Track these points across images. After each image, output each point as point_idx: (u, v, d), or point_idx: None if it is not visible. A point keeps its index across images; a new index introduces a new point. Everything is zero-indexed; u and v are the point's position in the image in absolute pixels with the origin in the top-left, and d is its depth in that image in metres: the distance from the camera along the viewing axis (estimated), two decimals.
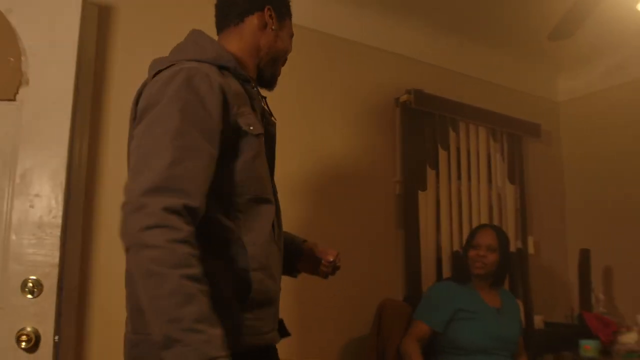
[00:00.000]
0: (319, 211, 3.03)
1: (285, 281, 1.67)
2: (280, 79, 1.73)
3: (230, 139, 1.40)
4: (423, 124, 3.42)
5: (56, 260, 2.06)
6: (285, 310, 1.70)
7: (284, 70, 1.74)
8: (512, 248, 3.68)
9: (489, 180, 3.74)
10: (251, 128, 1.44)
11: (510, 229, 3.74)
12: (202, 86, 1.35)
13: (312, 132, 3.07)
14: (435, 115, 3.46)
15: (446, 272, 3.34)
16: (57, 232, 2.08)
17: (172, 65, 1.41)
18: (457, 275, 3.03)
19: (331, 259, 1.87)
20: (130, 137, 1.44)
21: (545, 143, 4.16)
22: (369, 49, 3.35)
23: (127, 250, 1.20)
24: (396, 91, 3.40)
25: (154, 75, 1.42)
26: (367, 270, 3.15)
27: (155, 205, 1.18)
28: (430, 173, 3.41)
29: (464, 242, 3.20)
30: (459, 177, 3.57)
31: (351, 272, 3.06)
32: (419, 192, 3.34)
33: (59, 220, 2.09)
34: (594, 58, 4.01)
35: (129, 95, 1.51)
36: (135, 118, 1.41)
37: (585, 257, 3.58)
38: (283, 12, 1.68)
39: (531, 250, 3.85)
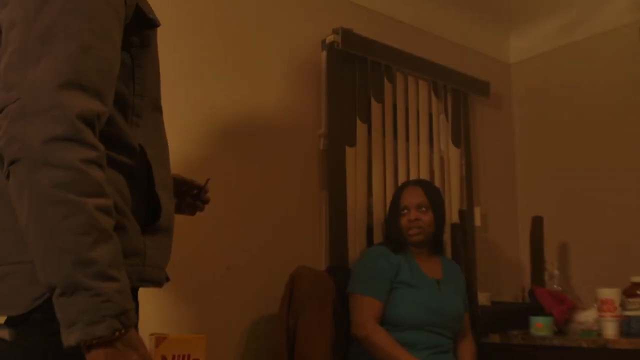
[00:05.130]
0: (229, 165, 2.52)
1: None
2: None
3: (129, 26, 1.13)
4: (353, 71, 2.95)
5: None
6: (174, 277, 1.35)
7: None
8: (455, 219, 3.24)
9: (430, 142, 3.28)
10: (152, 17, 1.20)
11: (454, 199, 3.31)
12: None
13: (223, 78, 2.56)
14: (367, 60, 2.99)
15: (378, 241, 2.86)
16: None
17: None
18: (391, 244, 2.58)
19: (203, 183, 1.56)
20: None
21: (494, 106, 3.74)
22: None
23: (16, 160, 0.93)
24: (323, 32, 2.92)
25: None
26: (282, 237, 2.65)
27: (69, 110, 0.93)
28: (361, 127, 2.93)
29: (388, 206, 2.75)
30: (395, 136, 3.10)
31: (263, 240, 2.58)
32: (347, 147, 2.85)
33: None
34: (548, 13, 3.64)
35: None
36: None
37: (538, 225, 3.16)
38: None
39: (477, 222, 3.42)
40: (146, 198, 1.16)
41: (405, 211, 2.60)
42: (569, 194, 3.54)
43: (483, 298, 2.95)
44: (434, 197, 2.64)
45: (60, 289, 0.93)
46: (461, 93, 3.44)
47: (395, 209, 2.65)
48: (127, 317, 0.96)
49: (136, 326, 1.04)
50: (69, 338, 0.93)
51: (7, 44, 1.00)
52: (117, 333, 0.94)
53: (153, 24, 1.20)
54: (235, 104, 2.59)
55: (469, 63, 3.53)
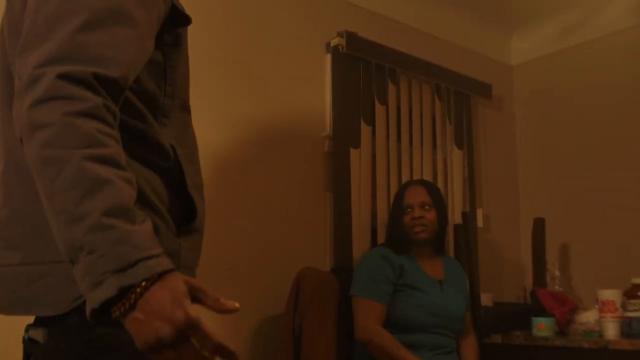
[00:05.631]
0: (234, 166, 2.55)
1: None
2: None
3: (164, 24, 1.09)
4: (358, 73, 2.98)
5: None
6: None
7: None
8: (458, 220, 3.26)
9: (433, 143, 3.31)
10: (186, 14, 1.15)
11: (457, 200, 3.33)
12: None
13: (227, 81, 2.59)
14: (371, 63, 3.02)
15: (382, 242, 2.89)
16: None
17: None
18: (393, 244, 2.59)
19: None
20: None
21: (496, 108, 3.77)
22: None
23: (21, 139, 0.88)
24: (327, 35, 2.94)
25: None
26: (287, 238, 2.68)
27: (49, 74, 0.86)
28: (366, 129, 2.96)
29: (391, 207, 2.76)
30: (398, 138, 3.13)
31: (268, 241, 2.61)
32: (351, 149, 2.88)
33: None
34: (549, 16, 3.66)
35: None
36: None
37: (539, 227, 3.19)
38: None
39: (480, 223, 3.45)
40: (180, 198, 1.10)
41: (409, 210, 2.60)
42: (570, 196, 3.56)
43: (485, 299, 2.97)
44: (436, 196, 2.66)
45: (69, 258, 0.84)
46: (464, 95, 3.47)
47: (398, 208, 2.65)
48: (145, 268, 0.81)
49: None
50: (87, 311, 0.82)
51: (23, 31, 0.97)
52: (130, 293, 0.80)
53: (188, 20, 1.16)
54: (240, 106, 2.61)
55: (471, 65, 3.56)
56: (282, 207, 2.69)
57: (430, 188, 2.70)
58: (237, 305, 0.89)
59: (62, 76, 0.86)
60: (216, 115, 2.53)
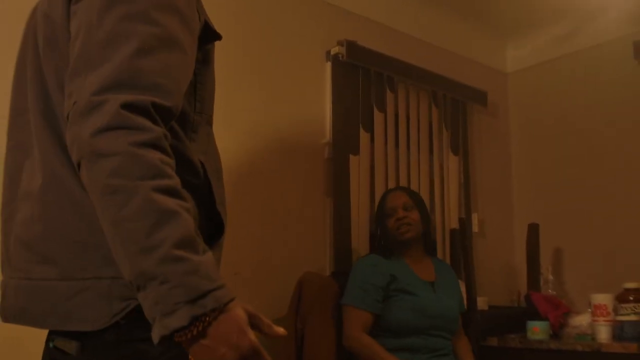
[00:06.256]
0: (237, 172, 2.60)
1: None
2: None
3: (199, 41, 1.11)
4: (357, 81, 3.04)
5: None
6: None
7: None
8: (454, 225, 3.33)
9: (430, 150, 3.38)
10: (216, 30, 1.17)
11: (453, 205, 3.39)
12: None
13: (229, 87, 2.62)
14: (370, 71, 3.08)
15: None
16: None
17: None
18: (382, 250, 2.63)
19: None
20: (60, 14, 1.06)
21: (491, 114, 3.84)
22: None
23: (79, 165, 0.91)
24: (327, 44, 3.00)
25: None
26: (288, 242, 2.73)
27: (113, 101, 0.89)
28: (364, 136, 3.02)
29: (375, 216, 2.79)
30: (396, 145, 3.20)
31: (269, 246, 2.67)
32: (350, 155, 2.94)
33: None
34: (543, 25, 3.73)
35: None
36: None
37: (534, 232, 3.25)
38: None
39: (475, 228, 3.52)
40: (208, 215, 1.11)
41: (392, 212, 2.63)
42: (564, 202, 3.62)
43: (481, 302, 3.03)
44: (416, 199, 2.72)
45: (135, 284, 0.87)
46: (460, 102, 3.54)
47: (382, 214, 2.69)
48: (213, 299, 0.86)
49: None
50: (154, 336, 0.86)
51: (73, 52, 0.99)
52: (199, 322, 0.85)
53: (218, 36, 1.18)
54: (241, 114, 2.66)
55: (467, 73, 3.62)
56: (284, 212, 2.74)
57: (410, 192, 2.77)
58: (284, 331, 0.97)
59: (125, 105, 0.89)
60: (216, 122, 2.56)
